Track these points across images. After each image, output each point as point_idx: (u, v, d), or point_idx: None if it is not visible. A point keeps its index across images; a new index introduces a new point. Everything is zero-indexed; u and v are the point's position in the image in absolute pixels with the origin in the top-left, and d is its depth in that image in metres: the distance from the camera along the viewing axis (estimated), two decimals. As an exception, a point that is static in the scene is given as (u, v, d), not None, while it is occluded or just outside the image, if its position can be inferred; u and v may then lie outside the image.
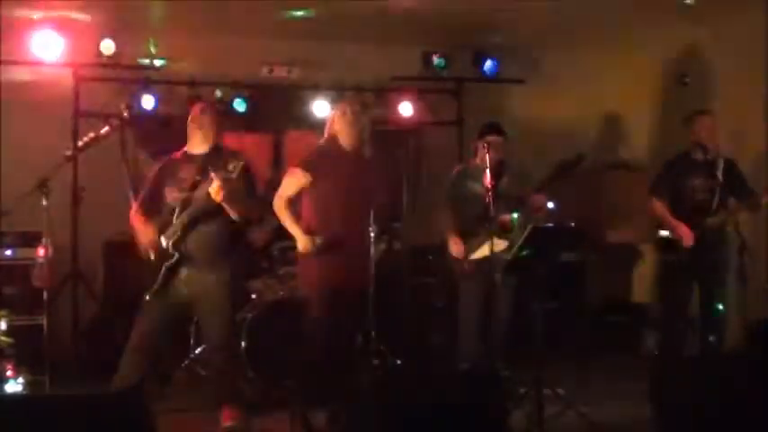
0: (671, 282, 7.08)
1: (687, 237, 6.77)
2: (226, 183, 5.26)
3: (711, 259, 6.85)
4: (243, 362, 6.67)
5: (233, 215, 5.49)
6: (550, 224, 6.55)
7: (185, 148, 5.77)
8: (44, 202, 5.25)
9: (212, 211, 5.47)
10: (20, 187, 5.55)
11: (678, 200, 6.92)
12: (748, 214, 6.90)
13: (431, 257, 8.22)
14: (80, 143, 5.24)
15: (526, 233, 5.93)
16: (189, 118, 5.79)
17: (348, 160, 6.07)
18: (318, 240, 5.85)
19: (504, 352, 6.75)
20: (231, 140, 8.72)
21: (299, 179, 6.03)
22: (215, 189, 5.28)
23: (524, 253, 5.93)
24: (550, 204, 6.81)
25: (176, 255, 5.48)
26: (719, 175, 6.78)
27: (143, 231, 5.63)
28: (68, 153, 5.31)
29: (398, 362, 7.39)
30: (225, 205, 5.41)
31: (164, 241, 5.51)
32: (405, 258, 8.38)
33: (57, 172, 5.38)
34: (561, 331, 7.73)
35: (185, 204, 5.50)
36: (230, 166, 5.32)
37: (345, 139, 6.06)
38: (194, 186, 5.50)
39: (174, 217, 5.51)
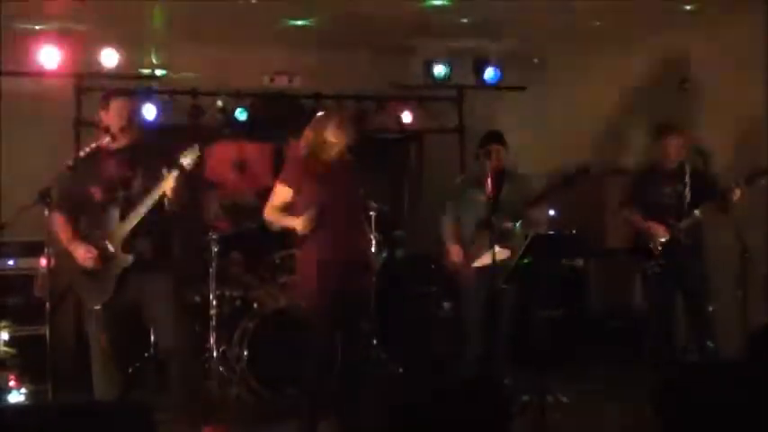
0: (650, 288, 7.10)
1: (660, 230, 6.81)
2: (179, 178, 5.14)
3: (689, 263, 6.87)
4: (245, 370, 6.68)
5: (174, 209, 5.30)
6: (551, 231, 6.57)
7: (101, 144, 5.42)
8: (46, 213, 5.27)
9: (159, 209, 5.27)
10: (21, 197, 5.56)
11: (649, 209, 6.95)
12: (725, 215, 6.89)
13: (433, 265, 8.23)
14: (81, 153, 5.23)
15: (527, 242, 5.94)
16: (105, 111, 5.45)
17: (333, 167, 5.83)
18: (311, 213, 5.59)
19: (506, 359, 6.74)
20: (233, 149, 8.88)
21: (282, 193, 5.86)
22: (170, 185, 5.15)
23: (526, 261, 5.94)
24: (551, 212, 6.83)
25: (130, 258, 5.26)
26: (687, 179, 6.80)
27: (69, 236, 5.37)
28: (70, 163, 5.30)
29: (400, 370, 7.40)
30: (173, 202, 5.24)
31: (110, 246, 5.28)
32: (407, 266, 8.40)
33: (57, 183, 5.38)
34: (563, 338, 7.76)
35: (127, 203, 5.30)
36: (185, 160, 5.17)
37: (334, 149, 5.84)
38: (127, 184, 5.33)
39: (111, 217, 5.30)
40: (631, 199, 7.12)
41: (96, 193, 5.31)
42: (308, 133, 5.82)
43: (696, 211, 6.74)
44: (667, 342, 7.02)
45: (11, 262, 7.31)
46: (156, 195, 5.20)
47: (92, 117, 7.90)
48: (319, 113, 6.00)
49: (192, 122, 8.61)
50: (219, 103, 8.71)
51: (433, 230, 7.14)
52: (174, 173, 5.14)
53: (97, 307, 5.29)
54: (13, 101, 8.12)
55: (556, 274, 6.21)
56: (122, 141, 5.37)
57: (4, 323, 5.51)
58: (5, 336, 5.49)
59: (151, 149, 5.46)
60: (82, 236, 5.36)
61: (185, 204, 5.33)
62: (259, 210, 5.99)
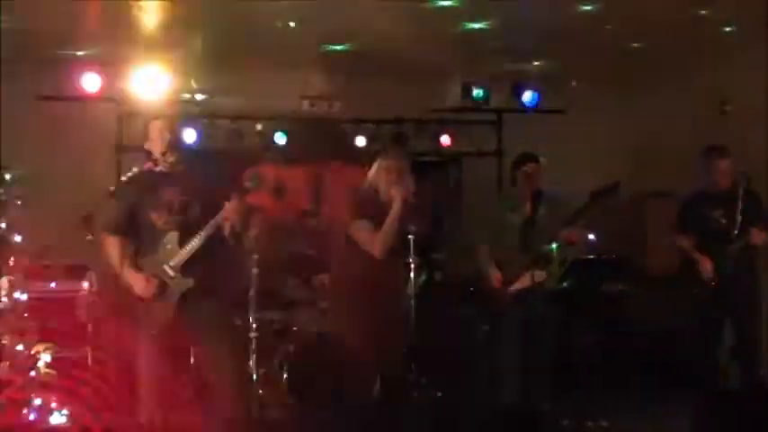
0: (698, 314, 7.04)
1: (706, 270, 6.76)
2: (242, 203, 5.20)
3: (740, 289, 6.81)
4: (285, 392, 6.72)
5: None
6: (591, 256, 6.55)
7: (144, 168, 5.44)
8: (89, 237, 5.34)
9: (217, 234, 5.31)
10: (63, 221, 5.66)
11: (701, 232, 6.89)
12: None
13: (471, 289, 8.21)
14: (124, 178, 5.31)
15: (566, 266, 5.92)
16: (147, 135, 5.45)
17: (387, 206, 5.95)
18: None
19: (545, 384, 6.71)
20: (272, 173, 8.93)
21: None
22: (234, 211, 5.21)
23: (565, 284, 5.92)
24: (591, 236, 6.80)
25: (191, 282, 5.28)
26: (739, 203, 6.74)
27: (125, 263, 5.32)
28: (112, 189, 5.38)
29: (439, 394, 7.37)
30: (234, 227, 5.29)
31: (169, 270, 5.30)
32: (445, 289, 8.39)
33: (101, 207, 5.45)
34: (603, 363, 7.72)
35: (184, 228, 5.30)
36: (248, 185, 5.25)
37: (387, 194, 5.97)
38: (184, 208, 5.33)
39: (170, 242, 5.30)
40: (682, 223, 7.06)
41: (153, 217, 5.31)
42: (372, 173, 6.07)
43: (749, 235, 6.69)
44: (712, 370, 6.96)
45: (53, 284, 7.40)
46: (219, 220, 5.25)
47: (133, 142, 8.13)
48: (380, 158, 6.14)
49: (231, 146, 8.71)
50: (259, 126, 8.83)
51: (471, 254, 7.13)
52: (237, 198, 5.19)
53: (154, 332, 5.29)
54: (55, 126, 8.27)
55: (596, 299, 6.17)
56: (166, 165, 5.38)
57: (46, 345, 5.54)
58: (48, 357, 5.52)
59: (204, 174, 5.52)
60: (139, 262, 5.35)
61: (243, 229, 5.39)
62: (298, 233, 6.03)
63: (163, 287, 5.28)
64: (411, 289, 6.09)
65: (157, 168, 5.36)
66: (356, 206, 6.02)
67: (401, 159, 6.11)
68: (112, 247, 5.36)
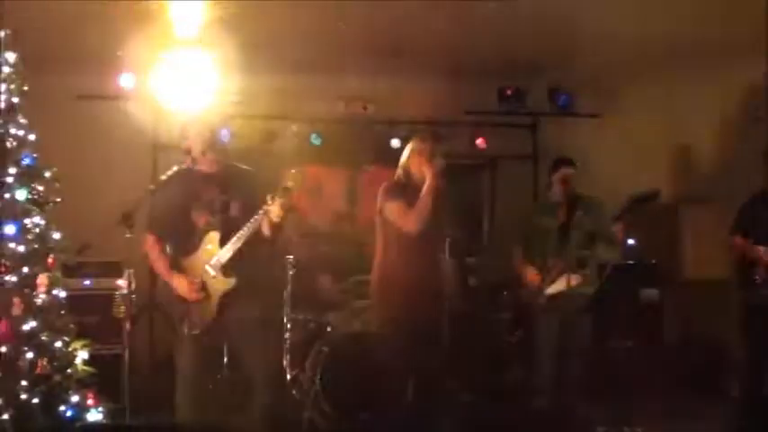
0: (753, 323, 6.94)
1: (762, 271, 6.66)
2: (285, 203, 5.20)
3: None
4: (319, 394, 6.73)
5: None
6: (630, 261, 6.51)
7: (183, 166, 5.43)
8: (128, 235, 5.38)
9: (256, 234, 5.32)
10: (100, 219, 5.70)
11: (758, 238, 6.81)
12: None
13: (505, 292, 8.22)
14: (163, 177, 5.34)
15: (607, 272, 5.89)
16: (186, 134, 5.46)
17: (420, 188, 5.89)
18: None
19: (579, 389, 6.69)
20: (307, 174, 8.97)
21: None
22: (276, 211, 5.21)
23: (603, 290, 5.90)
24: (631, 240, 6.77)
25: (233, 281, 5.30)
26: None
27: (166, 264, 5.40)
28: (152, 187, 5.42)
29: (472, 398, 7.38)
30: (275, 227, 5.31)
31: (211, 270, 5.34)
32: (479, 293, 8.39)
33: (140, 205, 5.48)
34: (639, 369, 7.68)
35: (226, 227, 5.33)
36: (290, 185, 5.24)
37: (419, 175, 5.96)
38: (225, 208, 5.38)
39: (211, 241, 5.34)
40: (739, 224, 6.93)
41: (193, 216, 5.36)
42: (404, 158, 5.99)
43: None
44: (760, 380, 6.85)
45: (88, 282, 7.47)
46: (259, 220, 5.26)
47: (169, 141, 8.18)
48: (412, 141, 6.10)
49: (266, 147, 8.77)
50: (294, 128, 8.87)
51: (505, 257, 7.13)
52: (280, 198, 5.20)
53: (196, 332, 5.32)
54: (93, 125, 8.35)
55: (633, 304, 6.14)
56: (205, 164, 5.41)
57: (84, 342, 5.59)
58: (85, 355, 5.57)
59: (241, 174, 5.54)
60: (180, 261, 5.39)
61: (282, 228, 5.39)
62: (332, 234, 6.03)
63: (205, 289, 5.31)
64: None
65: (196, 167, 5.39)
66: (389, 189, 5.95)
67: (431, 141, 6.09)
68: (153, 246, 5.41)
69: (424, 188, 5.78)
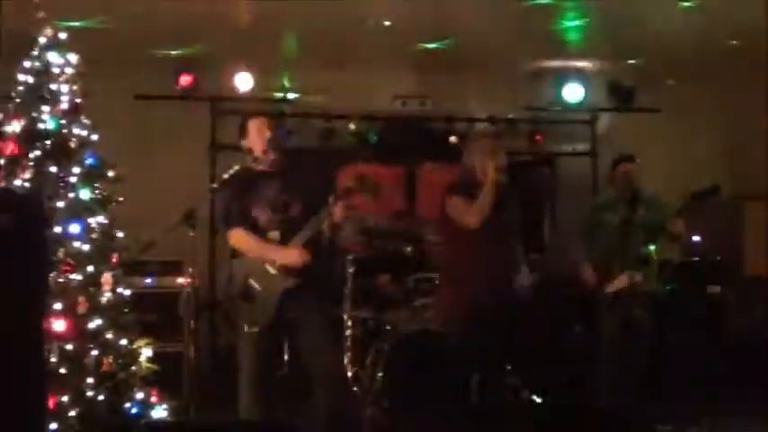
0: None
1: None
2: (349, 205, 5.24)
3: None
4: (379, 391, 6.75)
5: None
6: (695, 258, 6.45)
7: (245, 166, 5.49)
8: (191, 234, 5.46)
9: (317, 233, 5.34)
10: (157, 218, 5.79)
11: None
12: None
13: (566, 289, 8.16)
14: (226, 175, 5.40)
15: (671, 269, 5.84)
16: (245, 133, 5.51)
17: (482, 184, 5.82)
18: None
19: (641, 387, 6.62)
20: (364, 172, 8.98)
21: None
22: (338, 212, 5.24)
23: (668, 287, 5.85)
24: (696, 237, 6.71)
25: (292, 282, 5.30)
26: None
27: (262, 244, 5.33)
28: (215, 185, 5.48)
29: (534, 396, 7.34)
30: (336, 227, 5.35)
31: (271, 269, 5.32)
32: (540, 290, 8.34)
33: (203, 204, 5.55)
34: (701, 368, 7.61)
35: (286, 227, 5.34)
36: (352, 184, 5.28)
37: (481, 172, 5.89)
38: (286, 207, 5.38)
39: (272, 240, 5.34)
40: None
41: (256, 215, 5.36)
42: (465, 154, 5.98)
43: None
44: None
45: (149, 280, 7.57)
46: (321, 219, 5.29)
47: (226, 140, 8.27)
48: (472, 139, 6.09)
49: (324, 146, 8.83)
50: (352, 126, 8.91)
51: (566, 254, 7.10)
52: (342, 200, 5.24)
53: (255, 329, 5.32)
54: (152, 124, 8.47)
55: (698, 301, 6.08)
56: (267, 164, 5.44)
57: (148, 340, 5.67)
58: (149, 352, 5.65)
59: (301, 173, 5.55)
60: (242, 260, 5.38)
61: (342, 227, 5.42)
62: (391, 232, 6.02)
63: (265, 287, 5.32)
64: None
65: (258, 167, 5.44)
66: (451, 186, 5.95)
67: (493, 138, 6.07)
68: (241, 236, 5.37)
69: (486, 183, 5.75)
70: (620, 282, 6.43)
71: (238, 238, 5.37)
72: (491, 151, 5.87)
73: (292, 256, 5.29)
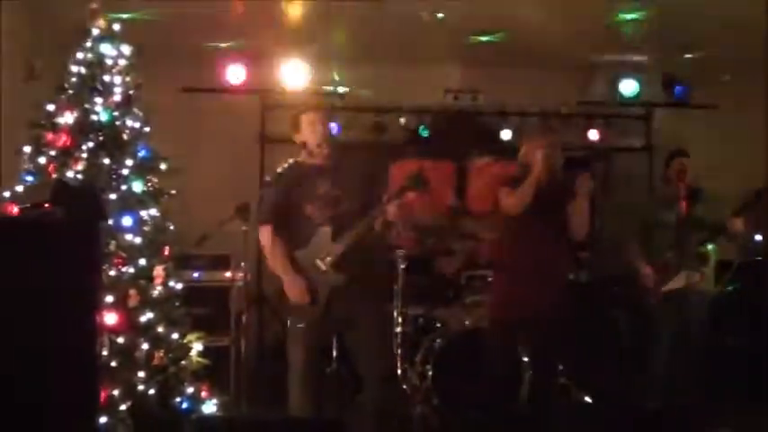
0: None
1: None
2: (401, 206, 5.17)
3: None
4: (429, 389, 6.73)
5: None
6: (758, 258, 6.35)
7: (299, 159, 5.44)
8: (243, 228, 5.46)
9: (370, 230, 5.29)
10: (208, 211, 5.81)
11: None
12: None
13: (618, 289, 8.08)
14: (280, 169, 5.38)
15: (733, 269, 5.75)
16: (298, 127, 5.46)
17: (541, 189, 5.84)
18: None
19: (695, 389, 6.52)
20: (415, 167, 8.94)
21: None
22: (393, 210, 5.18)
23: (730, 288, 5.76)
24: (758, 237, 6.60)
25: (342, 278, 5.25)
26: None
27: (283, 261, 5.30)
28: (268, 179, 5.47)
29: (586, 398, 7.29)
30: (391, 223, 5.30)
31: (322, 265, 5.29)
32: (591, 290, 8.29)
33: (255, 198, 5.55)
34: (759, 369, 7.51)
35: (337, 223, 5.29)
36: (407, 183, 5.21)
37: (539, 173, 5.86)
38: (337, 203, 5.32)
39: (323, 236, 5.28)
40: None
41: (308, 209, 5.32)
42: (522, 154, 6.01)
43: None
44: None
45: (197, 274, 7.60)
46: (375, 216, 5.24)
47: (275, 134, 8.28)
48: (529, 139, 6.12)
49: (374, 140, 8.81)
50: (402, 120, 8.89)
51: (619, 253, 7.02)
52: (397, 199, 5.19)
53: (301, 325, 5.28)
54: (200, 118, 8.50)
55: (759, 303, 5.98)
56: (320, 158, 5.40)
57: (198, 334, 5.68)
58: (199, 346, 5.66)
59: (353, 168, 5.53)
60: (292, 255, 5.34)
61: (393, 224, 5.38)
62: (442, 228, 6.00)
63: (314, 293, 5.27)
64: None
65: (311, 161, 5.41)
66: (504, 178, 5.99)
67: (550, 134, 6.03)
68: (268, 238, 5.35)
69: (533, 170, 5.77)
70: (678, 281, 6.34)
71: (265, 237, 5.37)
72: (549, 148, 5.84)
73: (293, 290, 5.26)
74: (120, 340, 5.11)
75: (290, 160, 5.39)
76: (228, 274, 7.30)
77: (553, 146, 5.95)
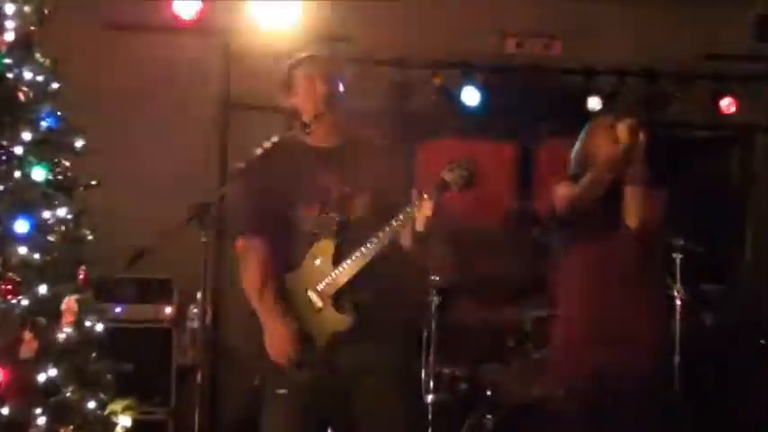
0: None
1: None
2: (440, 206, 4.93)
3: None
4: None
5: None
6: None
7: (303, 136, 5.22)
8: (203, 239, 5.35)
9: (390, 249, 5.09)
10: (149, 212, 5.76)
11: None
12: None
13: (762, 337, 8.02)
14: (258, 151, 5.23)
15: None
16: (303, 89, 5.23)
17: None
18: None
19: None
20: (455, 151, 8.87)
21: None
22: (425, 215, 4.94)
23: None
24: None
25: (348, 320, 5.07)
26: None
27: (265, 297, 5.12)
28: (240, 166, 5.35)
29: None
30: (419, 238, 5.08)
31: (317, 299, 5.12)
32: (722, 336, 8.22)
33: (216, 193, 5.45)
34: None
35: (343, 235, 5.13)
36: (450, 178, 4.97)
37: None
38: (343, 205, 5.16)
39: (319, 254, 5.13)
40: None
41: (301, 213, 5.17)
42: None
43: None
44: None
45: (119, 309, 7.48)
46: (399, 228, 5.06)
47: (246, 95, 8.23)
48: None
49: (394, 108, 8.73)
50: (437, 79, 8.79)
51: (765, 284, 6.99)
52: (432, 199, 4.97)
53: (283, 391, 5.15)
54: (135, 70, 8.49)
55: None
56: (320, 134, 5.22)
57: (125, 402, 5.62)
58: (127, 422, 5.62)
59: (374, 151, 5.36)
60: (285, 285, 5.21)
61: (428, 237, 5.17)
62: (497, 242, 5.93)
63: (306, 343, 5.12)
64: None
65: (307, 139, 5.24)
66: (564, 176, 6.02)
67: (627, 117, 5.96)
68: (256, 255, 5.18)
69: (600, 160, 5.80)
70: None
71: (248, 253, 5.23)
72: (612, 128, 5.85)
73: (275, 344, 5.10)
74: (5, 411, 4.97)
75: (275, 138, 5.20)
76: (169, 311, 7.21)
77: (631, 128, 5.85)
